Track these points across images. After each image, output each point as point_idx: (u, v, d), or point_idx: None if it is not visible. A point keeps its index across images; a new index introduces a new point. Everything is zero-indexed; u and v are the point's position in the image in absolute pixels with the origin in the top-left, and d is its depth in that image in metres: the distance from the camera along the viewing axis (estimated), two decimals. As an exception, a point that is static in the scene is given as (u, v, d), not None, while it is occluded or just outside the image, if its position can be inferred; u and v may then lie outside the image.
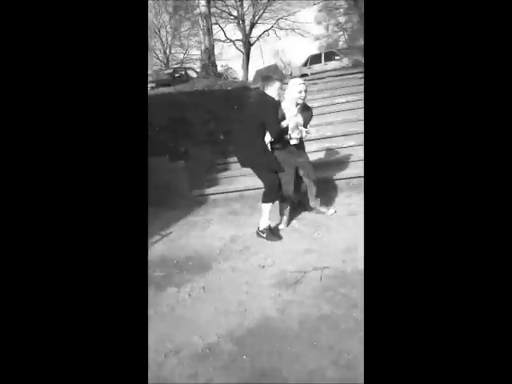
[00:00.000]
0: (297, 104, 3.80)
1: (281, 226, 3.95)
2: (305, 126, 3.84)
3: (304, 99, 3.84)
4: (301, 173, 3.95)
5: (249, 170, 3.96)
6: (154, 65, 28.20)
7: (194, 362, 2.08)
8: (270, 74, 3.63)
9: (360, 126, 5.97)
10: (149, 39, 24.97)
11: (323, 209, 4.11)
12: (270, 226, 3.77)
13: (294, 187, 3.91)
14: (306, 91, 3.79)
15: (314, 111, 4.27)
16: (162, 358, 2.14)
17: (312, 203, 4.12)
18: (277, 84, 3.67)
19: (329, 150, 5.67)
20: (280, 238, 3.69)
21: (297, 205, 4.19)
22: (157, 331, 2.39)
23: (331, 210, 4.11)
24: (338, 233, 3.58)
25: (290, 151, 3.84)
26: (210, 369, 2.00)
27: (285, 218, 4.00)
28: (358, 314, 2.26)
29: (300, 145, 3.89)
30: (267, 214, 3.76)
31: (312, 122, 4.12)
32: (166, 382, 1.97)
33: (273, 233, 3.74)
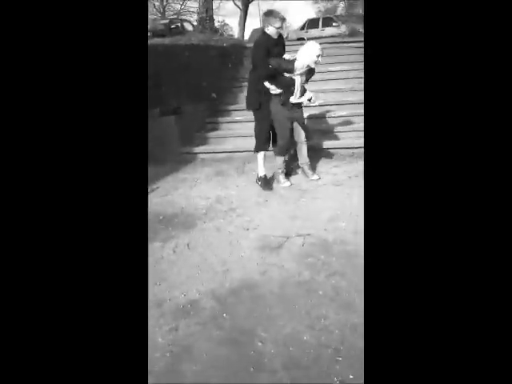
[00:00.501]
0: (307, 65, 3.80)
1: (286, 185, 4.08)
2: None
3: (317, 64, 3.86)
4: (294, 125, 4.00)
5: (238, 131, 4.07)
6: (150, 13, 27.09)
7: (176, 316, 2.15)
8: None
9: (353, 96, 5.94)
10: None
11: (309, 171, 4.17)
12: (265, 175, 4.05)
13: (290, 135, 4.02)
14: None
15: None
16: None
17: (301, 162, 4.19)
18: (278, 22, 3.71)
19: (319, 118, 5.63)
20: (271, 189, 3.97)
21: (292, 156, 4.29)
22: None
23: (315, 176, 4.17)
24: (322, 201, 3.63)
25: (288, 105, 3.90)
26: (191, 324, 2.07)
27: (281, 171, 4.12)
28: (337, 281, 2.35)
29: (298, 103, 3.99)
30: (261, 162, 4.03)
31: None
32: (147, 332, 2.03)
33: (267, 183, 4.02)
